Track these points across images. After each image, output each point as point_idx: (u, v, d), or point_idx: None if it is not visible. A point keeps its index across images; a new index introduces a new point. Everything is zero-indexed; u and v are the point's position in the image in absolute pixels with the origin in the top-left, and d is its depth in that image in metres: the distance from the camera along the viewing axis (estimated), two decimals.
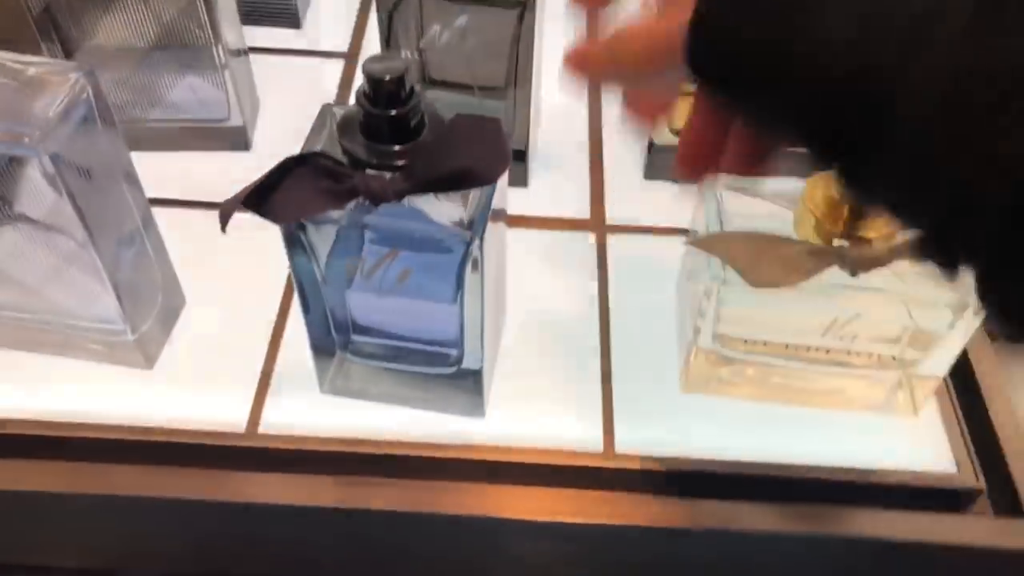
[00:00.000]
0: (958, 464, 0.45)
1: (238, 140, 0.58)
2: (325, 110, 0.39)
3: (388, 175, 0.35)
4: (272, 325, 0.49)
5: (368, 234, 0.39)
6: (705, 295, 0.42)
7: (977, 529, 0.43)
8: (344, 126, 0.36)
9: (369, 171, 0.35)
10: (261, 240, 0.40)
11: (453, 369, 0.44)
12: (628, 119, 0.32)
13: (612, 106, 0.62)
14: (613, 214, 0.56)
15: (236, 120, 0.57)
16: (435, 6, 0.49)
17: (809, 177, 0.41)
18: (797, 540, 0.43)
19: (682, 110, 0.33)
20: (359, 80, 0.44)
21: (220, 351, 0.48)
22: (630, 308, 0.50)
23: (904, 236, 0.40)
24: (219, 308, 0.50)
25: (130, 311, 0.45)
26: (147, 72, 0.54)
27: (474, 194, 0.37)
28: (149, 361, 0.47)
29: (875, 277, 0.40)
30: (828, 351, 0.44)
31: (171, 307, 0.49)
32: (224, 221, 0.35)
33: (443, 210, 0.37)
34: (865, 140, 0.22)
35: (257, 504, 0.42)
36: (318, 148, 0.38)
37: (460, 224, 0.37)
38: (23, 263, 0.43)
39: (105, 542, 0.48)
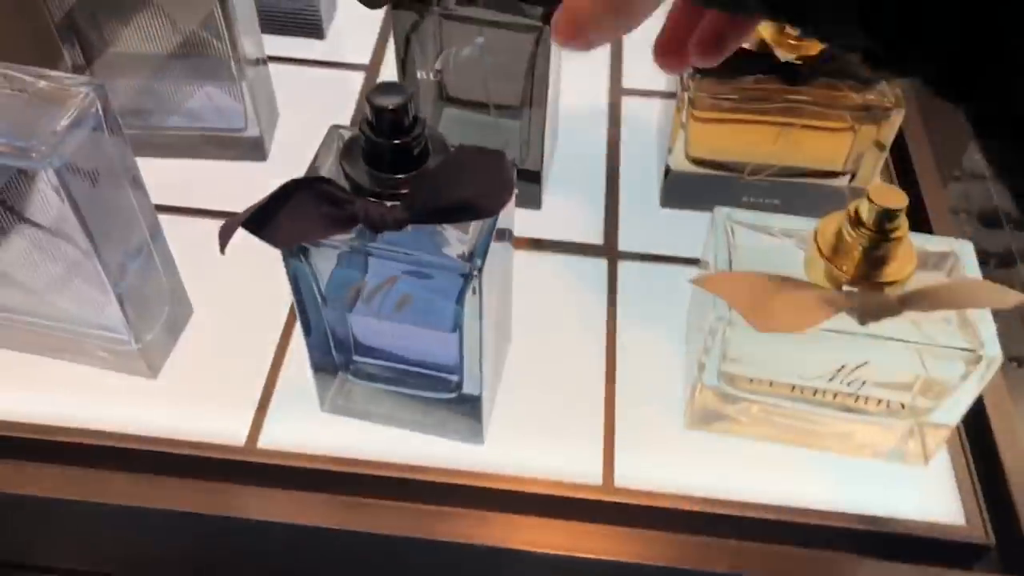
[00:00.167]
0: (967, 518, 0.43)
1: (255, 150, 0.58)
2: (332, 132, 0.39)
3: (389, 203, 0.35)
4: (277, 339, 0.49)
5: (371, 259, 0.39)
6: (710, 333, 0.41)
7: None
8: (347, 152, 0.36)
9: (370, 199, 0.35)
10: (272, 250, 0.40)
11: (453, 394, 0.44)
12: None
13: (629, 130, 0.62)
14: (626, 240, 0.55)
15: (253, 131, 0.57)
16: (453, 27, 0.49)
17: (821, 219, 0.40)
18: None
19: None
20: None
21: (225, 362, 0.48)
22: (638, 339, 0.50)
23: (916, 284, 0.38)
24: (226, 318, 0.50)
25: (134, 320, 0.45)
26: (165, 80, 0.55)
27: (477, 222, 0.37)
28: (153, 370, 0.47)
29: (887, 325, 0.39)
30: (836, 395, 0.43)
31: (178, 316, 0.49)
32: (224, 242, 0.35)
33: (445, 236, 0.37)
34: None
35: (252, 519, 0.42)
36: (324, 169, 0.38)
37: (462, 256, 0.36)
38: (31, 269, 0.43)
39: (101, 549, 0.48)
